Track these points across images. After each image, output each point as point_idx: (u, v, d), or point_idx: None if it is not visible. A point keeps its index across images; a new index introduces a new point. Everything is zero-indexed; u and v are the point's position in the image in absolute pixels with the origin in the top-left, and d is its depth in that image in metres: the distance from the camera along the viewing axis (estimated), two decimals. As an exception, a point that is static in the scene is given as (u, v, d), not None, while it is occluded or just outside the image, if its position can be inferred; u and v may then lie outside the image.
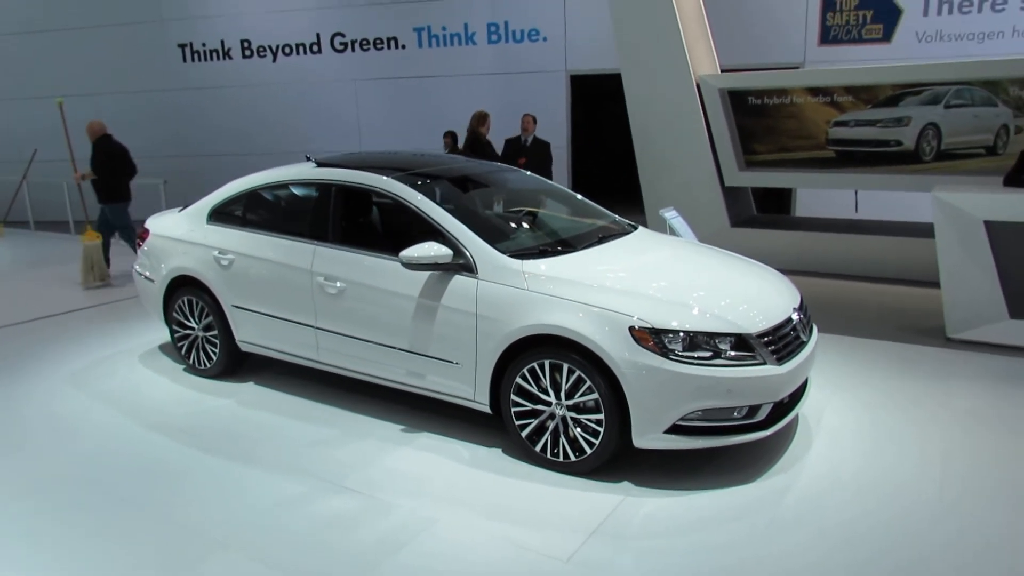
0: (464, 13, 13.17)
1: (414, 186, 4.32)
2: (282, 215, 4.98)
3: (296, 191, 4.93)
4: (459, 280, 3.93)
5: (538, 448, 3.76)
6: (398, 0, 13.43)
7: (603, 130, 14.77)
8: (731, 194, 9.03)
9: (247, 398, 4.85)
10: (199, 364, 5.25)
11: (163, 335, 5.72)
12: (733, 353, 3.46)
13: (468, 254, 3.94)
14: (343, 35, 13.83)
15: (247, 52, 14.39)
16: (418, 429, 4.26)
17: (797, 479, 3.64)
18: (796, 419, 4.28)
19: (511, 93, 12.91)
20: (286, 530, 3.30)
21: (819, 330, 5.65)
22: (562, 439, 3.69)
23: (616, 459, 3.69)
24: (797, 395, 3.88)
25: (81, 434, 4.41)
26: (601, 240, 4.41)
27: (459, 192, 4.66)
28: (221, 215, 5.15)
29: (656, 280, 3.86)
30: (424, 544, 3.14)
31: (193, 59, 14.72)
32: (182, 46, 14.70)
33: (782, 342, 3.66)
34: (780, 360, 3.58)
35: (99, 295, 7.78)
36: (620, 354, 3.42)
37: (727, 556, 3.03)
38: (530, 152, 8.95)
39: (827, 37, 11.72)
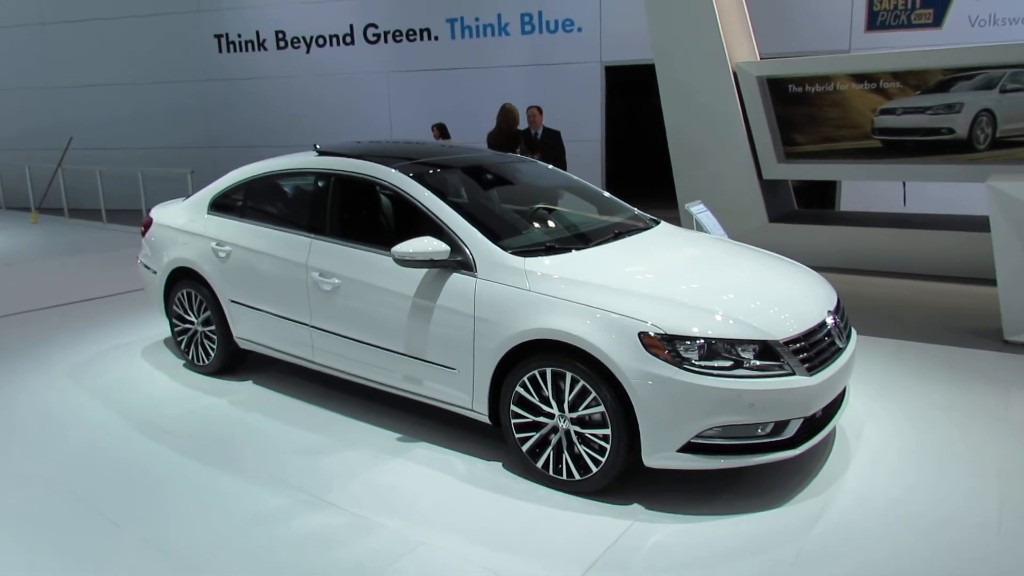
0: (498, 3, 12.83)
1: (414, 176, 4.00)
2: (280, 206, 4.71)
3: (296, 181, 4.65)
4: (457, 279, 3.60)
5: (539, 464, 3.41)
6: (432, -10, 13.17)
7: (639, 123, 14.32)
8: (769, 188, 8.54)
9: (242, 398, 4.59)
10: (198, 360, 5.02)
11: (167, 328, 5.49)
12: (757, 362, 3.07)
13: (467, 250, 3.60)
14: (376, 26, 13.61)
15: (281, 43, 14.26)
16: (415, 438, 3.95)
17: (831, 504, 3.23)
18: (833, 433, 3.86)
19: (545, 85, 12.54)
20: (260, 550, 3.01)
21: (863, 332, 5.22)
22: (565, 455, 3.33)
23: (627, 477, 3.33)
24: (833, 408, 3.47)
25: (69, 434, 4.18)
26: (617, 236, 4.04)
27: (466, 185, 4.33)
28: (221, 205, 4.90)
29: (672, 280, 3.48)
30: (403, 571, 2.82)
31: (229, 50, 14.65)
32: (218, 36, 14.63)
33: (814, 349, 3.26)
34: (811, 370, 3.18)
35: (120, 283, 7.62)
36: (628, 363, 3.05)
37: (744, 596, 2.66)
38: (542, 145, 8.62)
39: (874, 23, 11.11)
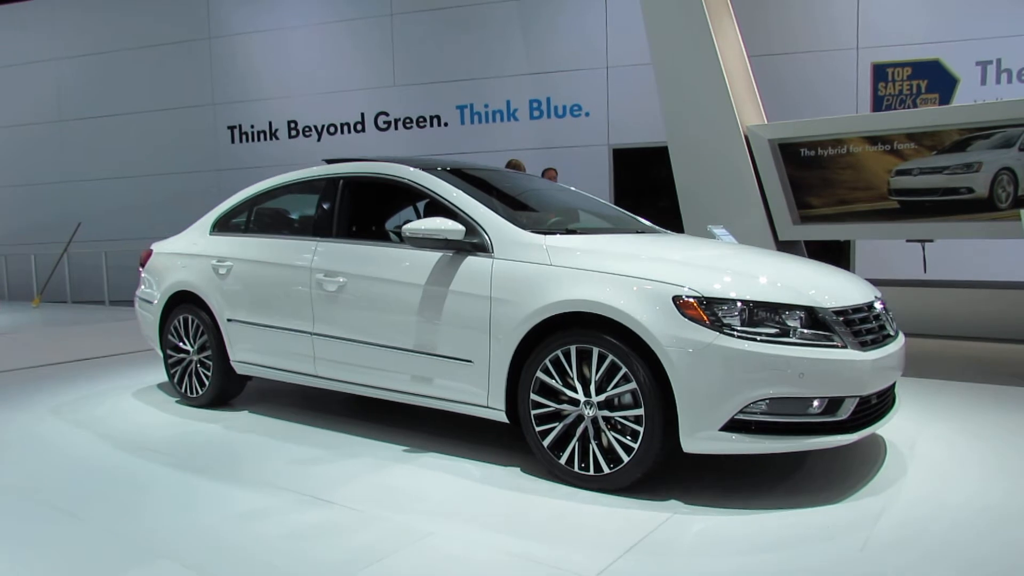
0: (507, 90, 13.14)
1: (424, 168, 3.82)
2: (286, 216, 4.55)
3: (302, 190, 4.48)
4: (472, 261, 3.34)
5: (563, 461, 3.04)
6: (441, 80, 13.53)
7: (646, 204, 14.39)
8: (785, 250, 8.36)
9: (236, 423, 4.23)
10: (191, 392, 4.67)
11: (163, 375, 5.16)
12: (806, 331, 2.77)
13: (483, 232, 3.36)
14: (387, 114, 13.89)
15: (293, 132, 14.53)
16: (423, 449, 3.58)
17: (894, 503, 2.84)
18: (884, 446, 3.49)
19: (553, 167, 12.66)
20: (238, 540, 2.63)
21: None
22: (592, 446, 2.97)
23: (661, 476, 2.96)
24: (886, 403, 3.12)
25: (49, 451, 3.83)
26: (640, 233, 3.81)
27: (482, 186, 4.14)
28: (224, 225, 4.72)
29: (707, 258, 3.22)
30: (409, 557, 2.43)
31: (242, 140, 14.92)
32: (231, 128, 14.94)
33: (863, 325, 2.96)
34: (864, 345, 2.87)
35: (114, 345, 7.33)
36: (662, 330, 2.75)
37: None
38: None
39: (880, 107, 11.26)
